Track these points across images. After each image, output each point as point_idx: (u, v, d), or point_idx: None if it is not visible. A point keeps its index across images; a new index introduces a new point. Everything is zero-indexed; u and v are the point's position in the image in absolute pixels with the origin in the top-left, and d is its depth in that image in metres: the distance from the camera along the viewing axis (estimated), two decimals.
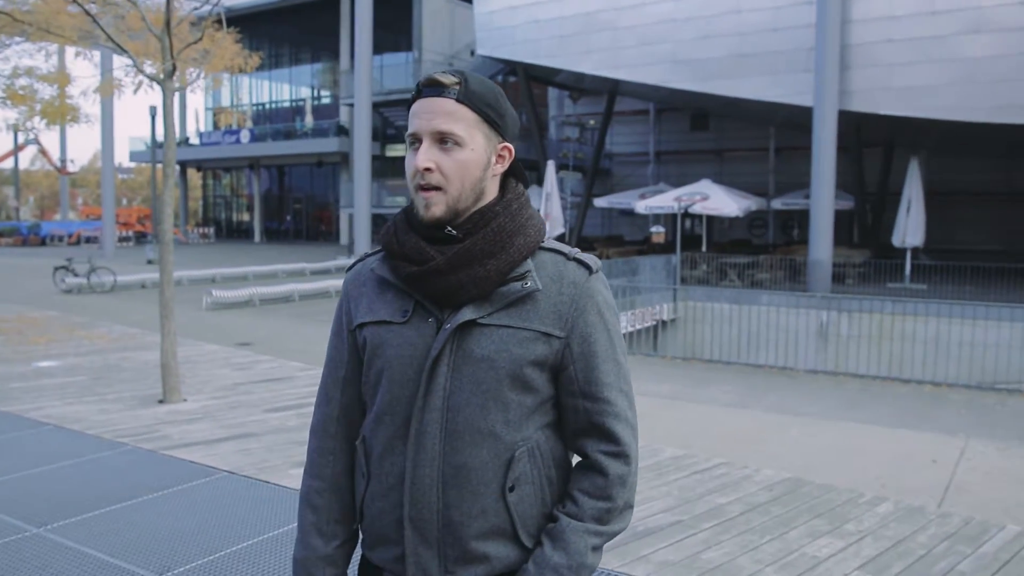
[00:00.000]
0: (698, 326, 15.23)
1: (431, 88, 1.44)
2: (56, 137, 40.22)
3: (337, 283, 20.03)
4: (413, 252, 1.45)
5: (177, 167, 26.29)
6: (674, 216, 21.33)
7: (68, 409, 7.12)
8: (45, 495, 4.93)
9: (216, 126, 43.94)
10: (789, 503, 4.99)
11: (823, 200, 18.08)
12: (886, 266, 18.99)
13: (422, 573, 1.43)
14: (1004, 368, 10.95)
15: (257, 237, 41.17)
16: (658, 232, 21.91)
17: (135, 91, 8.59)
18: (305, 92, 41.65)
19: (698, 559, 4.10)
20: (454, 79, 1.44)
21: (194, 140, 40.26)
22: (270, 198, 42.66)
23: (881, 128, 20.69)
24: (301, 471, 5.40)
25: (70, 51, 10.58)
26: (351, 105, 28.59)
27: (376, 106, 27.74)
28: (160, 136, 35.98)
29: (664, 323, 15.88)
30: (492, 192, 1.50)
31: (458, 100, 1.42)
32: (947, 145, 21.85)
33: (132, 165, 57.76)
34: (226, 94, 43.15)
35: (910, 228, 18.88)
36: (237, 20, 9.15)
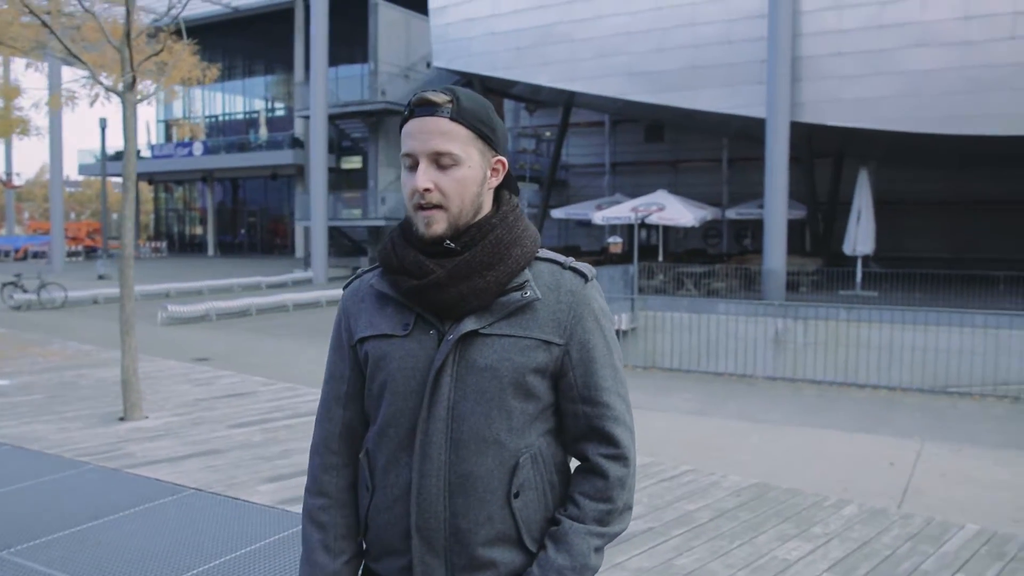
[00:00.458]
0: (657, 335, 15.38)
1: (423, 108, 1.45)
2: (1, 150, 39.20)
3: (295, 296, 19.87)
4: (413, 266, 1.47)
5: None
6: (630, 226, 21.52)
7: (25, 428, 6.96)
8: (6, 517, 4.82)
9: (168, 138, 43.32)
10: (757, 508, 5.08)
11: (776, 210, 18.40)
12: (838, 274, 19.36)
13: None
14: (955, 372, 11.24)
15: (211, 251, 40.62)
16: (615, 243, 22.09)
17: (92, 103, 8.46)
18: (259, 104, 41.30)
19: (671, 565, 4.15)
20: (446, 97, 1.45)
21: (145, 153, 39.62)
22: (224, 211, 42.14)
23: (831, 139, 21.14)
24: (270, 487, 5.33)
25: (17, 62, 10.38)
26: (306, 117, 28.41)
27: (332, 118, 27.60)
28: (111, 148, 35.43)
29: (623, 333, 16.02)
30: (488, 205, 1.52)
31: (452, 119, 1.44)
32: (895, 155, 22.39)
33: (81, 178, 56.67)
34: (178, 106, 42.61)
35: (860, 237, 19.29)
36: (189, 32, 9.05)
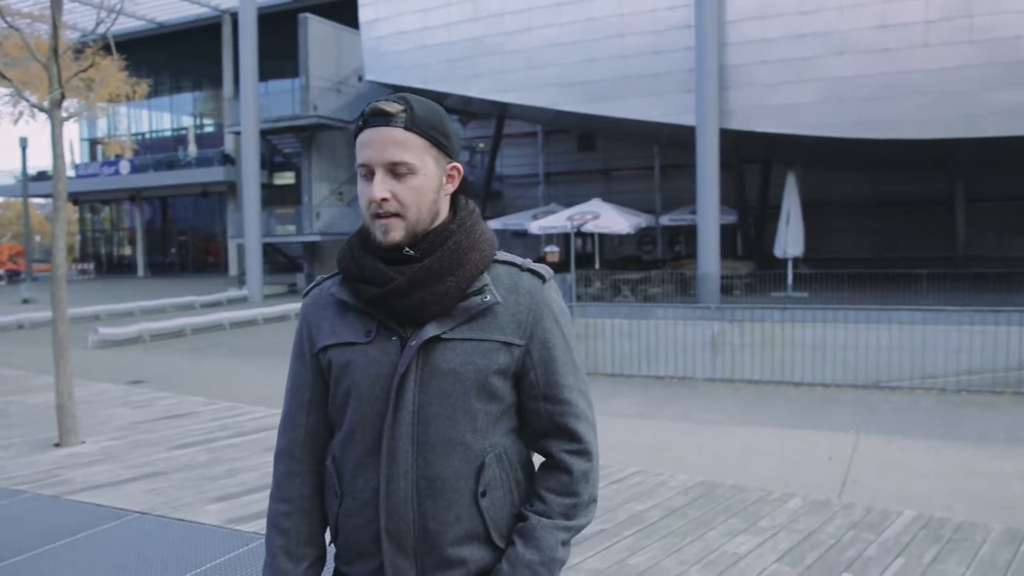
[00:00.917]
0: (597, 342, 15.52)
1: (377, 118, 1.46)
2: None
3: (231, 315, 19.52)
4: (373, 274, 1.49)
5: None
6: (567, 235, 21.73)
7: None
8: None
9: (93, 157, 42.18)
10: (705, 505, 5.18)
11: (709, 215, 18.80)
12: (770, 276, 19.85)
13: None
14: (885, 368, 11.63)
15: (141, 271, 39.64)
16: (552, 252, 22.27)
17: (15, 121, 8.25)
18: (187, 121, 40.50)
19: (625, 565, 4.22)
20: (399, 107, 1.46)
21: (69, 172, 38.52)
22: (153, 231, 41.18)
23: (759, 145, 21.68)
24: (218, 506, 5.26)
25: None
26: (237, 133, 27.99)
27: (264, 134, 27.25)
28: (32, 168, 34.35)
29: None
30: (444, 210, 1.54)
31: (406, 128, 1.45)
32: (820, 159, 23.06)
33: (0, 200, 54.75)
34: (102, 124, 41.54)
35: (790, 239, 19.82)
36: (105, 48, 8.88)
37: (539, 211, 25.64)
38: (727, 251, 21.90)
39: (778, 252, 20.09)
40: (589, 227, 20.90)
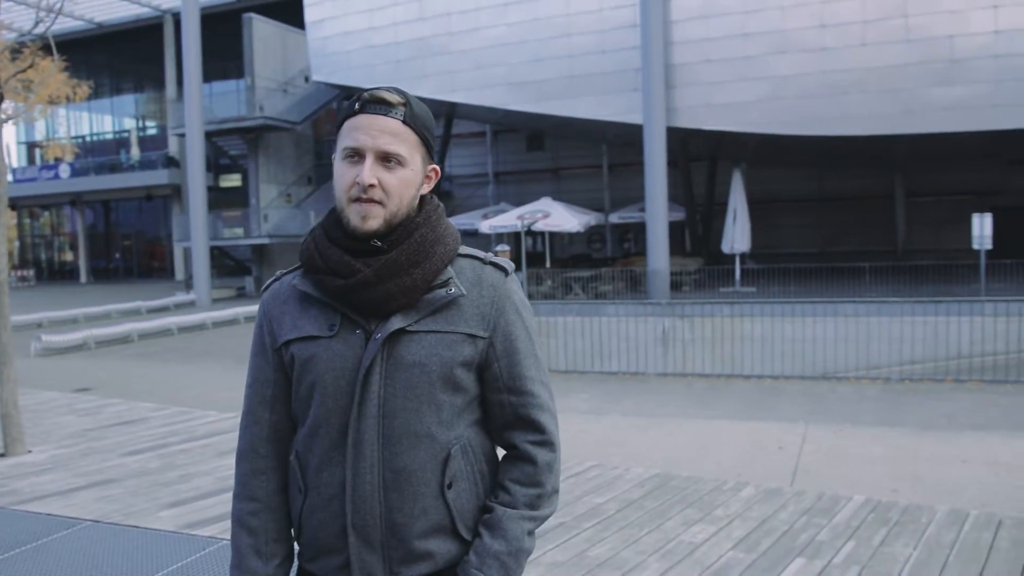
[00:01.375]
0: (550, 340, 15.60)
1: (376, 105, 1.46)
2: None
3: (179, 320, 19.20)
4: (339, 266, 1.47)
5: None
6: (517, 234, 21.81)
7: None
8: None
9: (31, 161, 41.08)
10: (661, 496, 5.26)
11: (658, 213, 19.02)
12: (718, 272, 20.14)
13: None
14: (831, 359, 11.90)
15: (83, 277, 38.70)
16: (503, 250, 22.28)
17: None
18: (129, 123, 39.66)
19: (585, 557, 4.27)
20: (400, 99, 1.47)
21: (7, 176, 37.39)
22: (96, 235, 40.20)
23: (705, 142, 21.99)
24: (172, 512, 5.19)
25: None
26: (181, 135, 27.51)
27: (209, 135, 26.83)
28: None
29: None
30: (414, 209, 1.54)
31: (404, 122, 1.47)
32: (764, 156, 23.47)
33: None
34: (40, 127, 40.47)
35: (737, 235, 20.15)
36: (45, 48, 8.68)
37: (489, 210, 25.67)
38: (676, 248, 22.18)
39: (726, 248, 20.40)
40: (539, 226, 21.00)
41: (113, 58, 36.97)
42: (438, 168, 1.57)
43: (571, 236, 27.20)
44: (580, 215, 22.34)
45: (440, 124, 28.54)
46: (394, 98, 1.47)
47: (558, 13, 20.49)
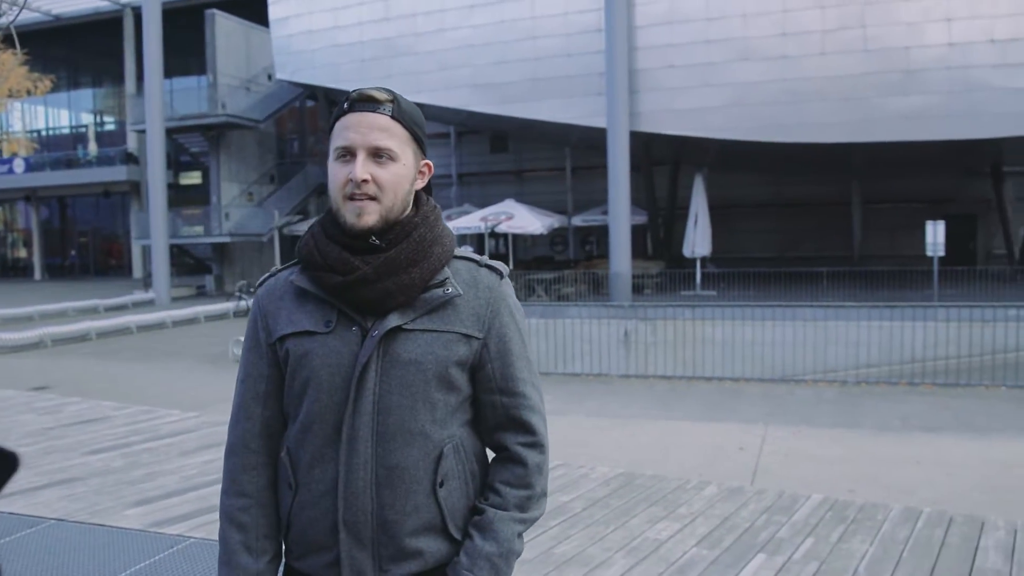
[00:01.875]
0: None
1: (365, 103, 1.49)
2: None
3: (139, 318, 18.95)
4: (338, 263, 1.48)
5: None
6: (480, 236, 21.87)
7: None
8: None
9: None
10: (626, 495, 5.36)
11: (620, 216, 19.20)
12: (679, 275, 20.38)
13: (357, 574, 1.47)
14: (790, 362, 12.14)
15: (38, 274, 37.91)
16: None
17: None
18: (87, 118, 38.94)
19: (552, 554, 4.34)
20: (387, 96, 1.50)
21: None
22: (51, 232, 39.40)
23: (668, 147, 22.23)
24: (138, 510, 5.16)
25: None
26: (140, 131, 27.13)
27: (169, 132, 26.49)
28: None
29: None
30: (410, 205, 1.56)
31: (392, 117, 1.49)
32: (726, 161, 23.79)
33: None
34: None
35: (698, 239, 20.41)
36: (5, 40, 8.55)
37: (453, 212, 25.67)
38: (637, 251, 22.38)
39: (687, 252, 20.64)
40: (503, 227, 21.07)
41: (71, 52, 36.29)
42: (431, 164, 1.60)
43: (534, 238, 27.30)
44: (543, 217, 22.46)
45: None
46: (382, 95, 1.50)
47: (524, 16, 20.59)
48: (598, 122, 19.43)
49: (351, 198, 1.48)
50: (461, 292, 1.52)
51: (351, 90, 1.53)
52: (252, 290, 23.09)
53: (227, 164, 27.95)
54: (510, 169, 31.61)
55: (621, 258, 18.91)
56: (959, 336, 11.81)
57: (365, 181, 1.46)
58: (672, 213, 25.90)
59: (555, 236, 29.02)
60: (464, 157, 32.49)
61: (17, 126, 38.97)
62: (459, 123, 29.21)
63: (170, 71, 26.86)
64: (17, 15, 7.30)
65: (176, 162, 31.33)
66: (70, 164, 33.82)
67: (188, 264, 30.84)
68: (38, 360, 14.10)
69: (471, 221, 21.86)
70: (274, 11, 24.00)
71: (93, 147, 34.11)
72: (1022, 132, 16.50)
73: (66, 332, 16.71)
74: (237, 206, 27.88)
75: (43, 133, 39.66)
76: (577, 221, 26.22)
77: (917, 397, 10.29)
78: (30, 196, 37.09)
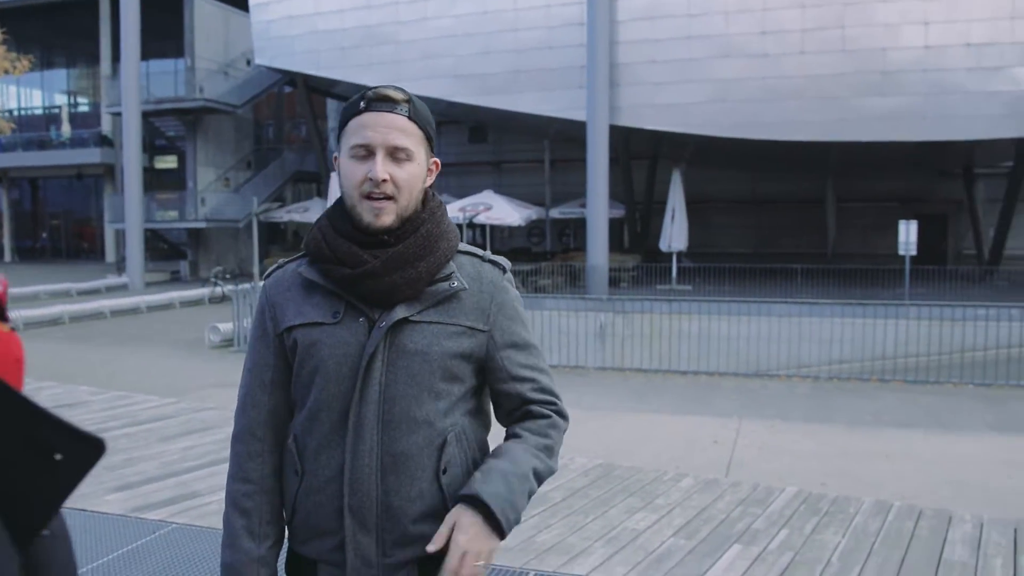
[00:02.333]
0: None
1: (383, 103, 1.53)
2: None
3: (112, 303, 18.79)
4: (347, 256, 1.53)
5: None
6: (459, 226, 21.85)
7: None
8: None
9: None
10: (604, 485, 5.44)
11: (598, 209, 19.28)
12: (655, 269, 20.53)
13: (361, 559, 1.51)
14: (764, 357, 12.26)
15: (8, 257, 37.37)
16: None
17: None
18: (60, 99, 38.36)
19: (532, 542, 4.41)
20: (404, 96, 1.54)
21: None
22: (22, 214, 38.81)
23: (647, 141, 22.35)
24: (119, 496, 5.18)
25: None
26: (116, 114, 26.85)
27: (145, 115, 26.21)
28: None
29: None
30: (419, 200, 1.61)
31: (409, 117, 1.54)
32: (704, 157, 23.97)
33: None
34: None
35: (675, 234, 20.56)
36: None
37: None
38: (614, 245, 22.49)
39: (663, 246, 20.79)
40: (482, 218, 21.12)
41: (44, 31, 35.66)
42: (439, 161, 1.65)
43: (511, 230, 27.36)
44: (522, 209, 22.53)
45: None
46: (399, 95, 1.54)
47: (506, 7, 20.60)
48: (578, 115, 19.50)
49: (369, 197, 1.52)
50: (466, 286, 1.57)
51: (367, 88, 1.56)
52: (228, 276, 23.07)
53: (204, 149, 27.74)
54: (489, 160, 31.63)
55: (598, 251, 19.01)
56: (929, 334, 12.00)
57: (384, 181, 1.51)
58: (649, 207, 26.06)
59: (532, 228, 29.10)
60: (442, 147, 32.38)
61: None
62: (438, 113, 29.13)
63: (147, 53, 26.56)
64: None
65: (151, 146, 31.00)
66: (43, 145, 33.29)
67: (162, 249, 30.58)
68: None
69: (449, 211, 21.71)
70: None
71: (67, 128, 33.63)
72: (994, 135, 16.78)
73: (39, 315, 16.53)
74: (213, 191, 27.68)
75: (15, 113, 39.04)
76: (555, 213, 26.30)
77: (888, 393, 10.46)
78: (1, 177, 36.55)
